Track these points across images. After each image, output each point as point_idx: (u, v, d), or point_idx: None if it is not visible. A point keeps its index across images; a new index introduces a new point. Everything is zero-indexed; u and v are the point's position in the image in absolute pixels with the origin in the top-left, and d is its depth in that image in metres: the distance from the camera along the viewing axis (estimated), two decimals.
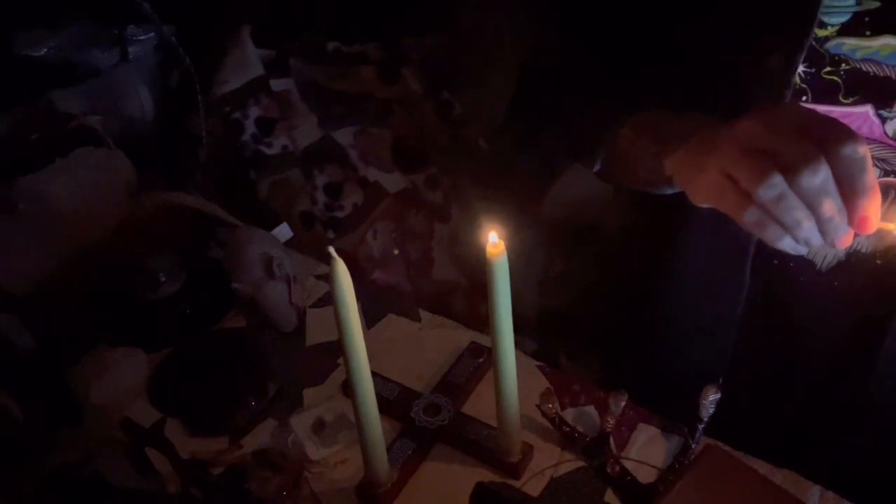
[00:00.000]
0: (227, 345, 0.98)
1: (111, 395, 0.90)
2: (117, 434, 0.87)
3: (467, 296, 1.40)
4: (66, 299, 0.99)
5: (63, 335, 0.95)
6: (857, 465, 0.81)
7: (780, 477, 0.78)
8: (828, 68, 0.68)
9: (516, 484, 0.80)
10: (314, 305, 1.02)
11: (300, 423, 0.86)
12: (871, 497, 0.76)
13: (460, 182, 1.45)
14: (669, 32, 0.74)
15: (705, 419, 0.78)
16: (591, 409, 0.86)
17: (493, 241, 0.67)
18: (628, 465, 0.80)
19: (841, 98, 0.69)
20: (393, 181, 1.43)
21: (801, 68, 0.68)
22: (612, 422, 0.79)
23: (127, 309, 1.00)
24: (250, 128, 1.37)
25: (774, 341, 0.81)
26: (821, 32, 0.67)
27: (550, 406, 0.82)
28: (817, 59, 0.68)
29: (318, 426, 0.86)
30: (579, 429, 0.83)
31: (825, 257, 0.75)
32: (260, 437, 0.87)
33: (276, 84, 1.41)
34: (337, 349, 0.70)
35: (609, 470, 0.79)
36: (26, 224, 1.01)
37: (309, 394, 0.91)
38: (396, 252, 1.39)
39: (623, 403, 0.79)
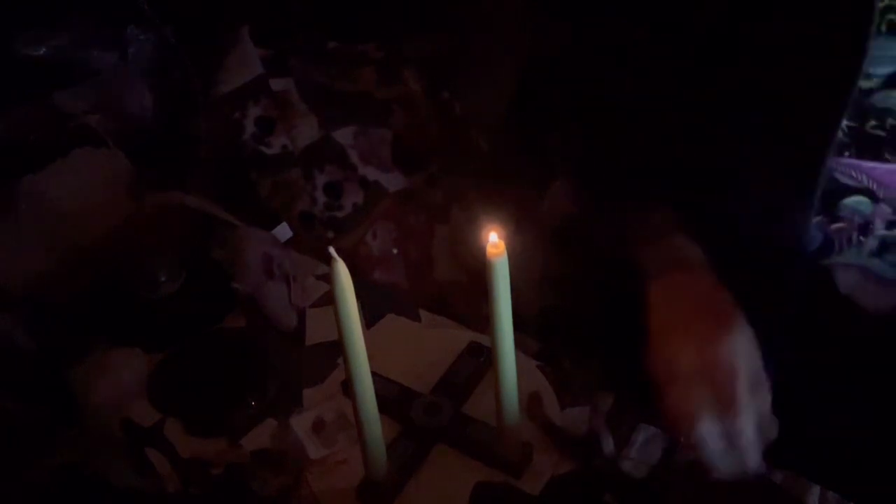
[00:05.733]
0: (227, 345, 0.98)
1: (111, 395, 0.90)
2: (117, 434, 0.87)
3: (467, 296, 1.40)
4: (66, 299, 0.99)
5: (63, 335, 0.95)
6: (857, 465, 0.81)
7: (780, 477, 0.78)
8: (872, 122, 0.65)
9: (516, 484, 0.80)
10: (314, 305, 1.02)
11: (300, 423, 0.86)
12: (871, 497, 0.76)
13: (460, 182, 1.45)
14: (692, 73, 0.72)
15: None
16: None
17: (493, 241, 0.67)
18: (628, 465, 0.80)
19: (886, 155, 0.65)
20: (393, 181, 1.43)
21: (843, 122, 0.65)
22: (599, 421, 0.80)
23: (127, 309, 1.00)
24: (250, 128, 1.37)
25: (786, 352, 0.81)
26: (865, 84, 0.64)
27: (538, 412, 0.82)
28: (861, 113, 0.65)
29: (318, 426, 0.86)
30: (579, 429, 0.83)
31: (877, 308, 0.74)
32: (260, 437, 0.87)
33: (276, 84, 1.41)
34: (337, 349, 0.70)
35: (608, 470, 0.79)
36: (26, 224, 1.01)
37: (309, 394, 0.91)
38: (396, 252, 1.39)
39: (610, 402, 0.79)
